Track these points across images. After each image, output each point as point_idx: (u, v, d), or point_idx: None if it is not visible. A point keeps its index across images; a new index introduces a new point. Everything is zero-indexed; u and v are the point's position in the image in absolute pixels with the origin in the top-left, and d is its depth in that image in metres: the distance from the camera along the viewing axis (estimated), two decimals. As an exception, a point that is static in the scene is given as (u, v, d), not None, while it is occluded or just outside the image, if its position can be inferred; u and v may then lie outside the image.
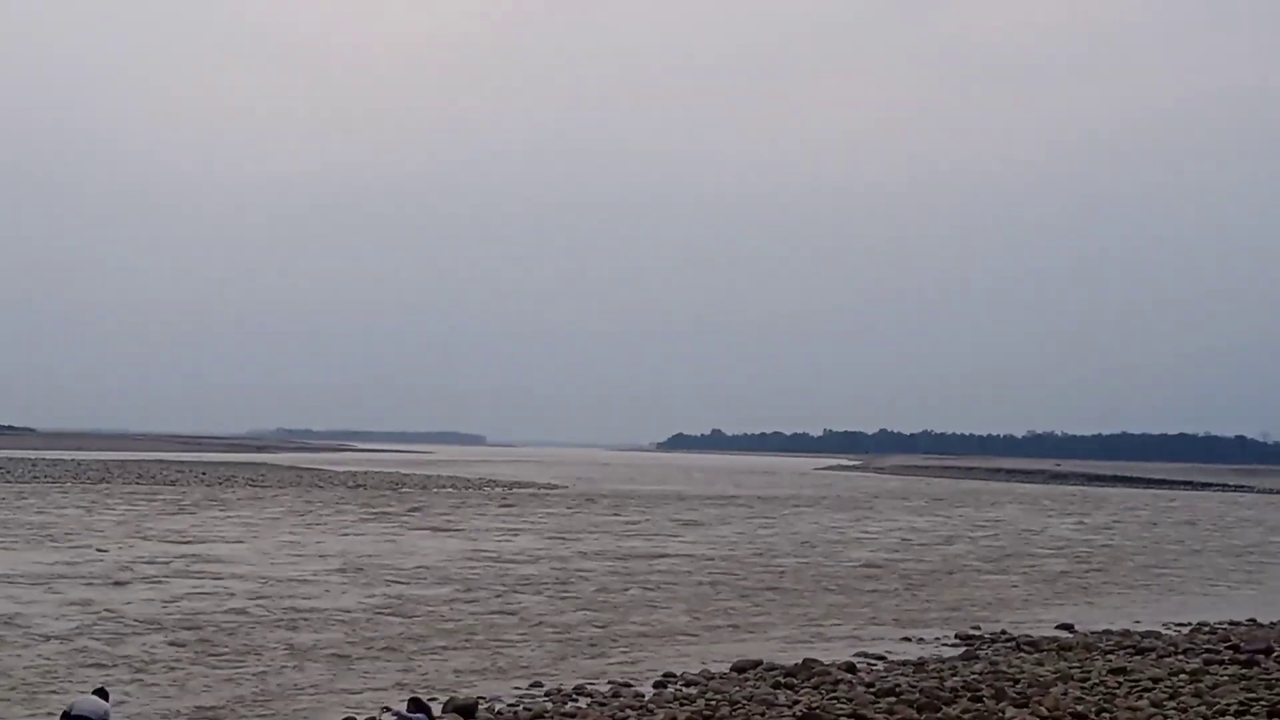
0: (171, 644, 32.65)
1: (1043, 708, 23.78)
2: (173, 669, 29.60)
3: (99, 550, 54.09)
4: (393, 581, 47.16)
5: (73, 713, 18.53)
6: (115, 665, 29.58)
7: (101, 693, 19.26)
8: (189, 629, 35.03)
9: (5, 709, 24.91)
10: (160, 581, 44.75)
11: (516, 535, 70.20)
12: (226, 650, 32.20)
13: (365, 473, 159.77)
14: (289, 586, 44.68)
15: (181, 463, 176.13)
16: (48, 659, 30.13)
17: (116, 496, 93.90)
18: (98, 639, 33.01)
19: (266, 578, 46.76)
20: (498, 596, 44.16)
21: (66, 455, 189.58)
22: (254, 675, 29.40)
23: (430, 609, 40.64)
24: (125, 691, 26.30)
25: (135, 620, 36.22)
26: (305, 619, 37.68)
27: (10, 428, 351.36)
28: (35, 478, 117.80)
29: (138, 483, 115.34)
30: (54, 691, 26.07)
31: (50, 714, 22.98)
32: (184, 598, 41.07)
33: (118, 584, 43.82)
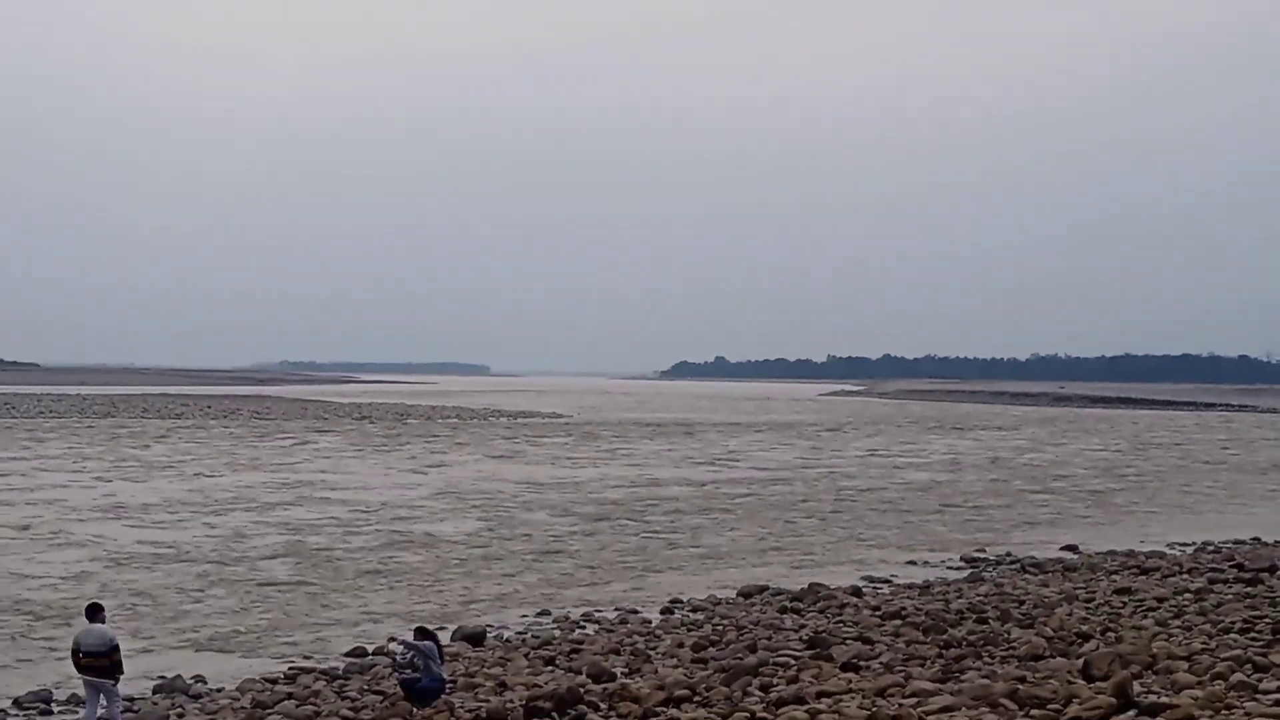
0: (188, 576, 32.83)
1: (1048, 628, 23.83)
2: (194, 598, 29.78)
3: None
4: (397, 516, 47.28)
5: (80, 647, 18.56)
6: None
7: (95, 609, 19.16)
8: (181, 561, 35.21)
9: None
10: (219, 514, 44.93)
11: (517, 464, 70.35)
12: (235, 579, 32.37)
13: (370, 404, 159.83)
14: (280, 515, 44.85)
15: (186, 396, 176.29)
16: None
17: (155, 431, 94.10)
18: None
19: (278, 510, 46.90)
20: (497, 527, 44.24)
21: (71, 390, 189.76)
22: (267, 604, 29.57)
23: (425, 538, 40.76)
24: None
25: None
26: (334, 546, 37.85)
27: (15, 363, 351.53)
28: (41, 413, 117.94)
29: (144, 416, 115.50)
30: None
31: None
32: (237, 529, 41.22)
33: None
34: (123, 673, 18.81)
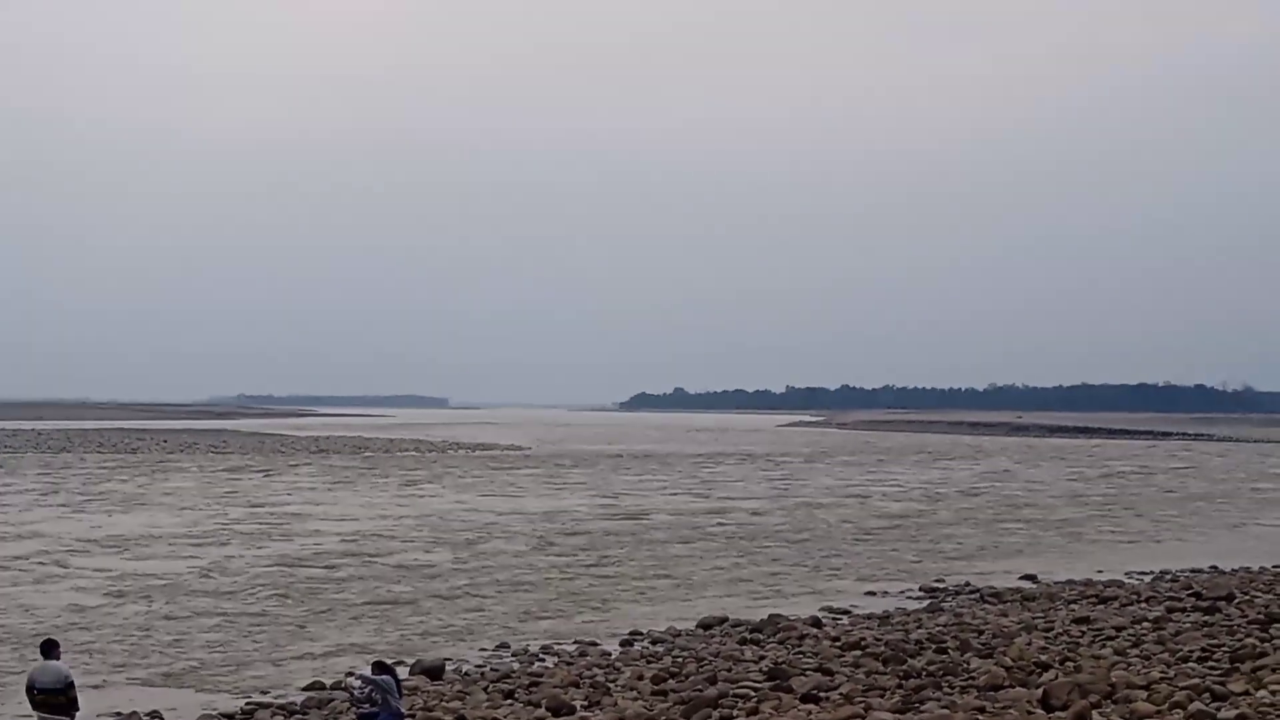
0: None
1: (1007, 658, 23.88)
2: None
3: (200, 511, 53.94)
4: (358, 549, 47.12)
5: (35, 684, 18.36)
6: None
7: (50, 645, 18.92)
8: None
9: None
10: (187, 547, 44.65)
11: (475, 496, 70.20)
12: (192, 614, 32.18)
13: (328, 437, 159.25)
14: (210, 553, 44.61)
15: (143, 430, 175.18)
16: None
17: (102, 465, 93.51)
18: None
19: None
20: (459, 561, 44.10)
21: (26, 425, 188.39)
22: (224, 639, 29.40)
23: (386, 571, 40.63)
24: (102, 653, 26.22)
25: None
26: (309, 582, 37.66)
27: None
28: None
29: (99, 451, 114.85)
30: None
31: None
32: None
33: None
34: (79, 709, 18.60)
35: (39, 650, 19.09)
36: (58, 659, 18.70)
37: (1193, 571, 42.10)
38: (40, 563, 41.37)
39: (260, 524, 53.73)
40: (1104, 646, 25.61)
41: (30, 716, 19.17)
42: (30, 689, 18.43)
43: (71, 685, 18.39)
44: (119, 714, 22.09)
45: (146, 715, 22.10)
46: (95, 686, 23.60)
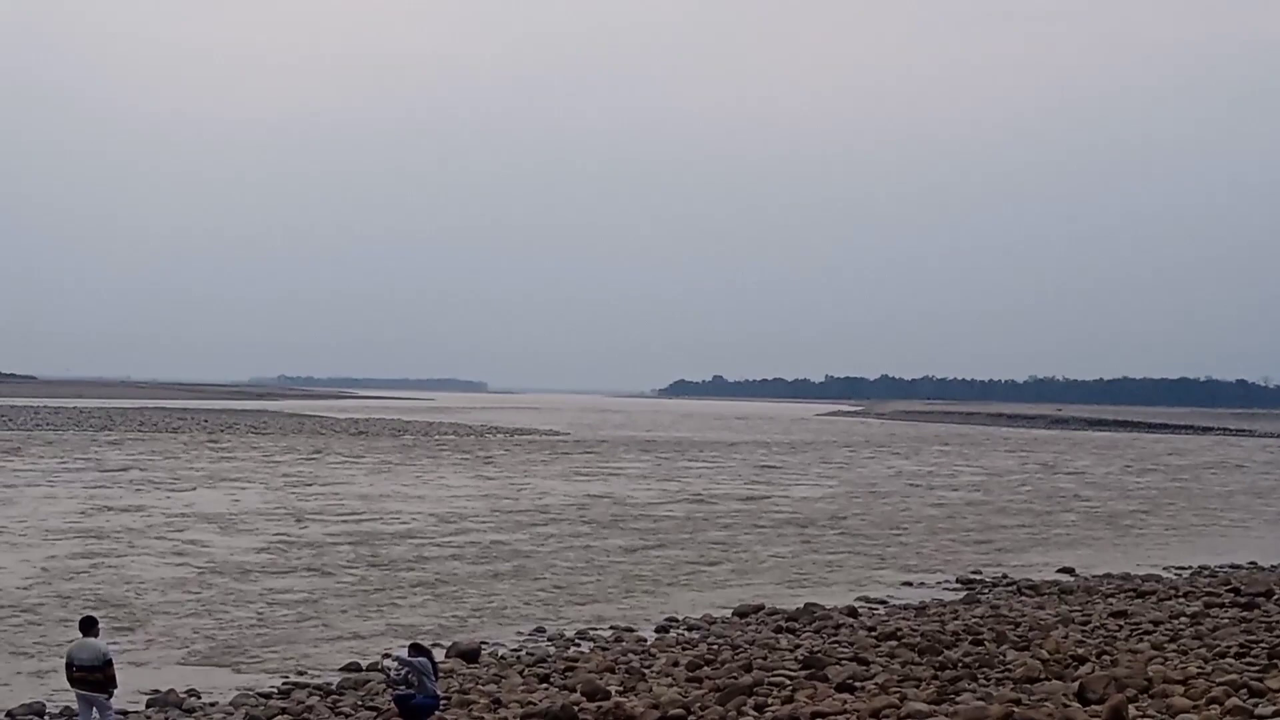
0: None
1: (1044, 651, 23.79)
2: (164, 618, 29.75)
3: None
4: (389, 533, 47.26)
5: (74, 661, 18.51)
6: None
7: (89, 622, 19.06)
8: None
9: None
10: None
11: (513, 481, 70.33)
12: (230, 594, 32.36)
13: (367, 420, 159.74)
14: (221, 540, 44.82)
15: (183, 410, 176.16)
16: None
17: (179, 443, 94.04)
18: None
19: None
20: (497, 545, 44.18)
21: (68, 403, 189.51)
22: (263, 618, 29.55)
23: (428, 556, 40.74)
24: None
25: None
26: (313, 561, 37.84)
27: (12, 375, 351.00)
28: (38, 425, 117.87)
29: (140, 430, 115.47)
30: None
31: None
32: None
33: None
34: (116, 687, 18.74)
35: (78, 627, 19.24)
36: (96, 636, 18.85)
37: (1232, 567, 41.89)
38: (42, 536, 41.61)
39: (296, 508, 53.93)
40: (1141, 641, 25.50)
41: (69, 691, 19.39)
42: (69, 666, 18.59)
43: (109, 663, 18.54)
44: (156, 691, 22.19)
45: (184, 693, 22.21)
46: (132, 665, 23.71)
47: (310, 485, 63.89)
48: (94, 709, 18.52)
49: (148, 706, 21.39)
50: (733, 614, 31.43)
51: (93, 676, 18.39)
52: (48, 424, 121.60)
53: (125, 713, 20.29)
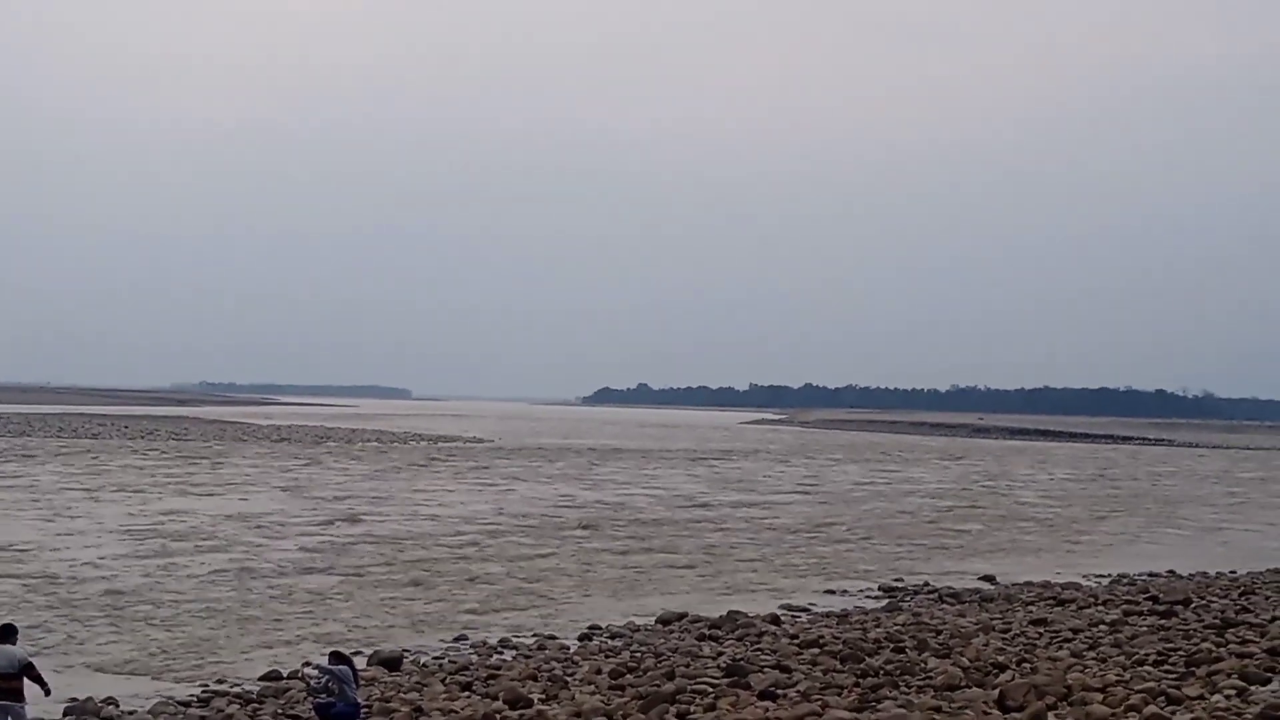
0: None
1: (964, 658, 23.94)
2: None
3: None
4: (314, 539, 47.00)
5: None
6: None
7: (9, 631, 18.85)
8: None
9: None
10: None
11: (436, 488, 70.07)
12: (145, 602, 32.05)
13: (289, 426, 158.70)
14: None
15: (104, 416, 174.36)
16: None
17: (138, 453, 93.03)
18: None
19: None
20: (410, 552, 44.00)
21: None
22: (182, 627, 29.30)
23: (347, 565, 40.53)
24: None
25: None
26: (242, 576, 37.54)
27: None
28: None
29: (59, 436, 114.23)
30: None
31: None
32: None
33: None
34: (48, 690, 18.64)
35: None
36: (14, 644, 18.63)
37: (1150, 575, 42.30)
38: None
39: (215, 516, 53.52)
40: (1061, 648, 25.70)
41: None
42: None
43: (30, 666, 18.41)
44: (74, 700, 21.94)
45: (102, 701, 21.98)
46: (49, 671, 23.39)
47: (228, 494, 63.37)
48: (9, 717, 18.31)
49: (64, 715, 21.14)
50: (656, 622, 31.44)
51: (9, 685, 18.19)
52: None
53: (40, 721, 20.02)
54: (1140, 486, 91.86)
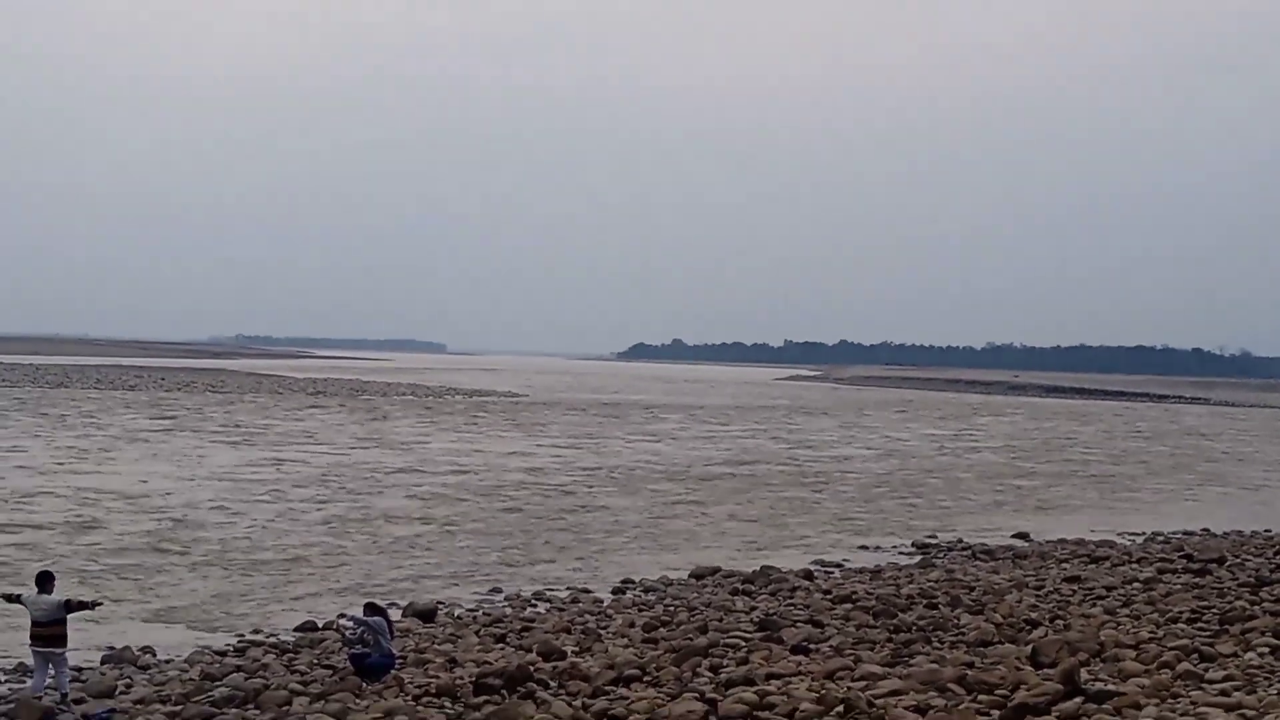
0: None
1: (997, 615, 23.94)
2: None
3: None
4: (344, 493, 47.19)
5: (32, 615, 18.53)
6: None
7: (46, 577, 19.06)
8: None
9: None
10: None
11: (473, 441, 70.26)
12: (185, 552, 32.28)
13: (325, 380, 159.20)
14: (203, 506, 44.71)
15: (139, 368, 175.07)
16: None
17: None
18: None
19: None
20: (446, 506, 44.15)
21: (24, 360, 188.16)
22: (220, 577, 29.50)
23: (384, 518, 40.70)
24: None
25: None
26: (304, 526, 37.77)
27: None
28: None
29: (96, 388, 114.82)
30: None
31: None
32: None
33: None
34: (96, 604, 19.06)
35: (34, 582, 19.21)
36: (51, 593, 18.83)
37: (1185, 534, 42.16)
38: (29, 494, 41.42)
39: (258, 467, 53.82)
40: (1094, 605, 25.66)
41: (24, 646, 19.37)
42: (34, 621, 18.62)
43: (67, 604, 18.63)
44: (111, 648, 22.15)
45: (139, 650, 22.16)
46: (87, 622, 23.55)
47: (269, 444, 63.68)
48: (50, 665, 18.52)
49: (103, 663, 21.33)
50: (689, 576, 31.51)
51: (50, 632, 18.39)
52: (2, 380, 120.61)
53: (80, 669, 20.20)
54: (1176, 445, 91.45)
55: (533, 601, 28.14)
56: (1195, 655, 19.18)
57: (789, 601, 27.31)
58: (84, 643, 21.50)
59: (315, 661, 21.48)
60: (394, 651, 19.88)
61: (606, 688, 18.47)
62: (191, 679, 20.23)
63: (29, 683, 19.29)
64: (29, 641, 18.76)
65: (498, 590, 29.39)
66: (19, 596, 19.18)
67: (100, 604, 20.22)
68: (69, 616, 18.66)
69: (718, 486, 52.52)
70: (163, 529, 36.12)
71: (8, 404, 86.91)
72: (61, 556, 30.99)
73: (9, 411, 79.45)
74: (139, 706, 18.37)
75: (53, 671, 18.49)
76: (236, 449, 60.54)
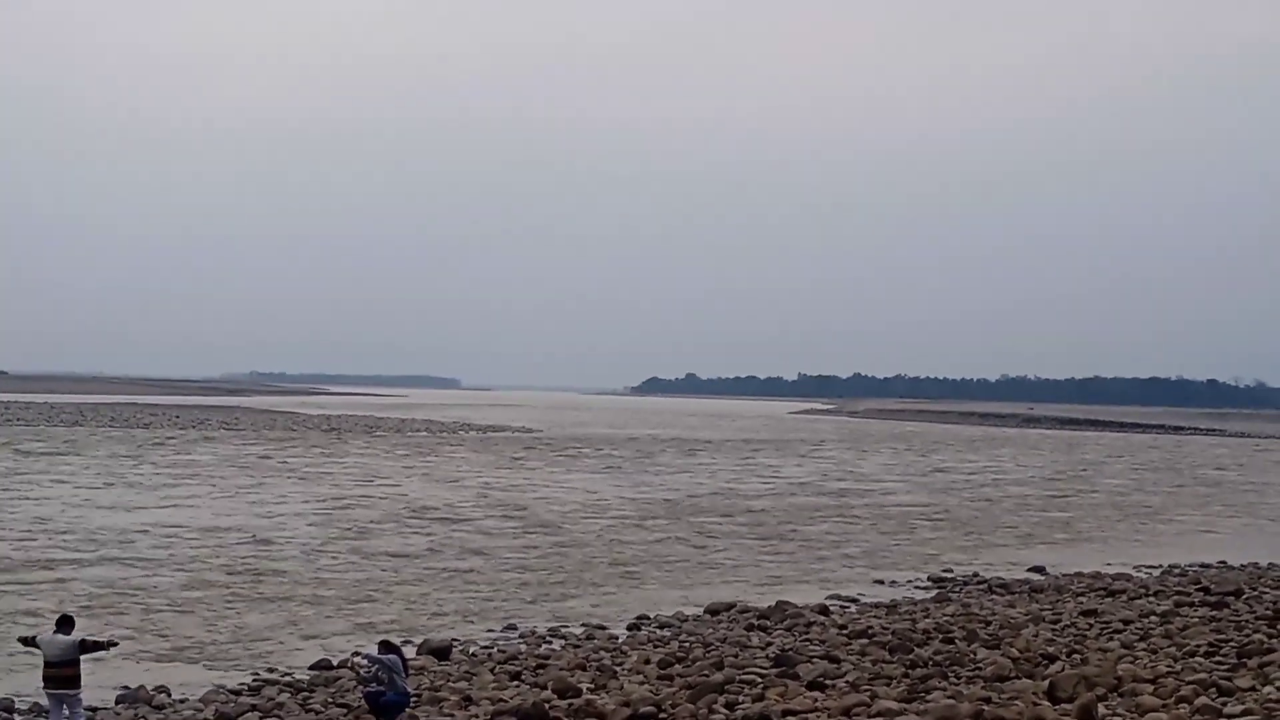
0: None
1: (1014, 649, 23.85)
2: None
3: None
4: (354, 529, 47.19)
5: (45, 656, 18.55)
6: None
7: (66, 621, 19.12)
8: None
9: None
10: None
11: (486, 477, 70.25)
12: (199, 592, 32.26)
13: (339, 416, 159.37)
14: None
15: (154, 406, 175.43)
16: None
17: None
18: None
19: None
20: (458, 542, 44.12)
21: (39, 398, 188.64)
22: (234, 616, 29.48)
23: (395, 555, 40.68)
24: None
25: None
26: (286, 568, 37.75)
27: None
28: (8, 421, 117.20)
29: (111, 425, 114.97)
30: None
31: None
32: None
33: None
34: (110, 645, 19.07)
35: (55, 625, 19.25)
36: (68, 634, 18.85)
37: (1201, 566, 42.03)
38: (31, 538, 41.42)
39: (266, 507, 53.84)
40: (1111, 639, 25.58)
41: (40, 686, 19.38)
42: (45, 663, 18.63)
43: (82, 644, 18.64)
44: (126, 688, 22.14)
45: (154, 690, 22.15)
46: (100, 662, 23.54)
47: (278, 485, 63.70)
48: (64, 706, 18.53)
49: (117, 703, 21.33)
50: (704, 612, 31.45)
51: (63, 673, 18.40)
52: (18, 419, 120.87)
53: (94, 710, 20.21)
54: (1191, 477, 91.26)
55: (547, 638, 28.10)
56: (1213, 689, 19.10)
57: (805, 637, 27.24)
58: (98, 683, 21.47)
59: (330, 700, 21.46)
60: (409, 689, 19.84)
61: (622, 725, 18.42)
62: (206, 718, 20.23)
63: (44, 722, 19.30)
64: (42, 683, 18.77)
65: (513, 627, 29.34)
66: (34, 639, 19.20)
67: (116, 644, 20.27)
68: (83, 657, 18.68)
69: (728, 522, 52.40)
70: (184, 565, 36.12)
71: (26, 444, 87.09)
72: (78, 595, 31.00)
73: (28, 451, 79.61)
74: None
75: (67, 712, 18.49)
76: (252, 483, 60.53)
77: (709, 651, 25.35)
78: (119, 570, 35.38)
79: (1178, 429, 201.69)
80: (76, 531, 42.57)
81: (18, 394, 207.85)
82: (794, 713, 18.47)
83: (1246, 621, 27.36)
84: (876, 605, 33.00)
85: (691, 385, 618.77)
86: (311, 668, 24.50)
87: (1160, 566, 42.02)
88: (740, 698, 20.12)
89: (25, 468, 66.92)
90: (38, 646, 18.90)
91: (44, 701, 19.49)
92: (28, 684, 21.43)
